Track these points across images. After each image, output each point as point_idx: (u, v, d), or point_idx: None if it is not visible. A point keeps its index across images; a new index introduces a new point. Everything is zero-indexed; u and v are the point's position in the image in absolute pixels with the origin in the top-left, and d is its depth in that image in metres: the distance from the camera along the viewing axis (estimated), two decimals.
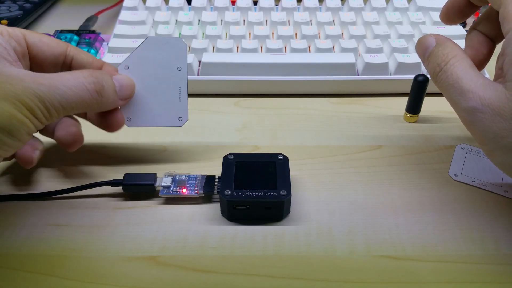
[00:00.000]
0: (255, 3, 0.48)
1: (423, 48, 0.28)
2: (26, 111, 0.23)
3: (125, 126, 0.29)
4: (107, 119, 0.28)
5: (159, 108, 0.29)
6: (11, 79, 0.23)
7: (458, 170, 0.32)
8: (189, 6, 0.47)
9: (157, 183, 0.29)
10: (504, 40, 0.24)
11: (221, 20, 0.46)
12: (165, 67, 0.29)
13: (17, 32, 0.27)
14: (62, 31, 0.46)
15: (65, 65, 0.29)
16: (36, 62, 0.28)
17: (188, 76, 0.39)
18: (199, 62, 0.40)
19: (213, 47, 0.43)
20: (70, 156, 0.32)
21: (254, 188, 0.27)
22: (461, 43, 0.42)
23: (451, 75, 0.26)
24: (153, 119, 0.29)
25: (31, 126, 0.23)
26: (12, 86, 0.22)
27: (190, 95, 0.39)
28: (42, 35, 0.28)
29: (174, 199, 0.30)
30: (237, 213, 0.28)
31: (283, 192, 0.27)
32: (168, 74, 0.29)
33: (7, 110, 0.22)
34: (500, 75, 0.25)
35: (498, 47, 0.27)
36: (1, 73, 0.23)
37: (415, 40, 0.42)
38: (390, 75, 0.40)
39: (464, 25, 0.49)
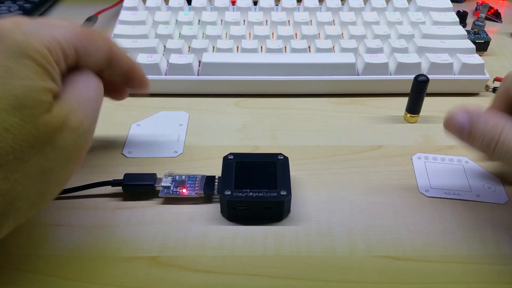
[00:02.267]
0: (255, 3, 0.48)
1: (457, 127, 0.26)
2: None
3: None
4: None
5: (159, 147, 0.34)
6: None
7: (426, 184, 0.31)
8: (189, 6, 0.47)
9: (157, 183, 0.29)
10: None
11: (221, 20, 0.46)
12: (170, 124, 0.36)
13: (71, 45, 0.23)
14: None
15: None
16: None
17: (188, 76, 0.39)
18: (199, 62, 0.40)
19: (213, 47, 0.43)
20: None
21: (254, 188, 0.27)
22: (461, 43, 0.42)
23: (509, 146, 0.24)
24: (151, 153, 0.34)
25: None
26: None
27: (190, 95, 0.40)
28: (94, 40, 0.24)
29: (174, 199, 0.30)
30: (237, 213, 0.28)
31: (283, 192, 0.27)
32: (171, 127, 0.36)
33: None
34: None
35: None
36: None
37: (415, 40, 0.42)
38: (390, 75, 0.40)
39: (464, 25, 0.50)
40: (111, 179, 0.29)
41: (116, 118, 0.37)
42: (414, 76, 0.34)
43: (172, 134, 0.35)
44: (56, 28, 0.22)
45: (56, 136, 0.21)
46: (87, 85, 0.23)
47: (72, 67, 0.24)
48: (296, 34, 0.45)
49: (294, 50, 0.41)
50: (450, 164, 0.32)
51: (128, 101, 0.39)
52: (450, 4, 0.47)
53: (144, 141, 0.35)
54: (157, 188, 0.29)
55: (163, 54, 0.41)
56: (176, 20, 0.45)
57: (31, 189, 0.20)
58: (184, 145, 0.34)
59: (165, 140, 0.35)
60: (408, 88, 0.36)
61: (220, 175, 0.29)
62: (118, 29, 0.44)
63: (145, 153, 0.33)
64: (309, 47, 0.43)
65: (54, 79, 0.21)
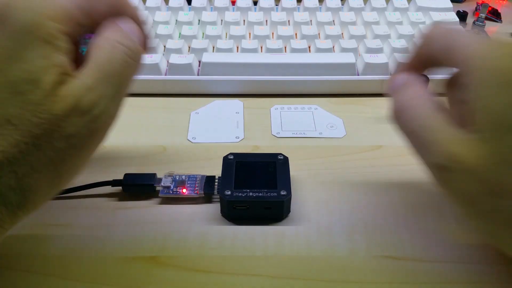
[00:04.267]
0: (255, 3, 0.48)
1: (392, 88, 0.24)
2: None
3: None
4: None
5: (220, 133, 0.36)
6: None
7: (278, 128, 0.36)
8: (189, 6, 0.47)
9: (157, 183, 0.29)
10: (469, 88, 0.20)
11: (221, 20, 0.46)
12: (226, 112, 0.38)
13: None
14: None
15: None
16: None
17: (188, 76, 0.39)
18: (199, 62, 0.40)
19: (213, 47, 0.43)
20: None
21: (254, 188, 0.27)
22: None
23: (411, 120, 0.21)
24: (214, 138, 0.35)
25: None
26: None
27: (189, 95, 0.40)
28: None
29: (174, 199, 0.30)
30: (237, 213, 0.28)
31: (283, 192, 0.27)
32: (228, 115, 0.38)
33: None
34: (462, 125, 0.20)
35: None
36: None
37: (415, 40, 0.42)
38: (390, 75, 0.40)
39: (464, 25, 0.50)
40: (111, 179, 0.29)
41: None
42: None
43: (230, 121, 0.37)
44: None
45: (63, 123, 0.18)
46: (113, 52, 0.20)
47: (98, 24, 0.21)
48: (296, 34, 0.45)
49: (294, 50, 0.41)
50: None
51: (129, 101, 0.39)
52: (450, 4, 0.47)
53: (205, 128, 0.36)
54: (157, 188, 0.29)
55: (163, 54, 0.41)
56: (176, 20, 0.45)
57: (42, 181, 0.19)
58: (244, 131, 0.36)
59: (225, 127, 0.36)
60: None
61: (220, 175, 0.29)
62: None
63: (209, 139, 0.35)
64: (309, 47, 0.43)
65: (62, 50, 0.19)
